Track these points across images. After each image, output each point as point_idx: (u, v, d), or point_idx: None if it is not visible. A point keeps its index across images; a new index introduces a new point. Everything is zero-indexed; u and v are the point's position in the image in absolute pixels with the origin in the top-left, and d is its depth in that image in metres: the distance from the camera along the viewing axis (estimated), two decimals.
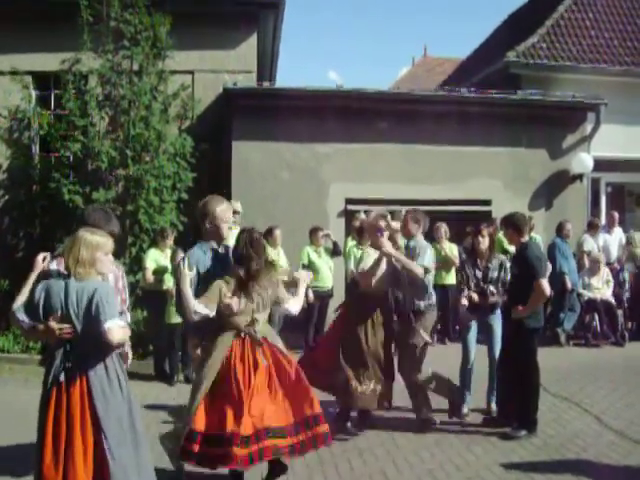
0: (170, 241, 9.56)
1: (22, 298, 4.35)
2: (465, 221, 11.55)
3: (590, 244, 11.96)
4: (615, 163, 14.22)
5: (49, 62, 11.89)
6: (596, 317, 11.37)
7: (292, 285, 5.74)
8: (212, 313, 4.94)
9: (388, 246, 6.61)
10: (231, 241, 5.37)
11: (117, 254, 4.88)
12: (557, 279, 10.76)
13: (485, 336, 7.29)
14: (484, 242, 7.23)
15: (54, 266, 4.53)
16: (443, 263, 11.13)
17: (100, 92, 11.35)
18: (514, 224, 6.86)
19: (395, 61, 73.85)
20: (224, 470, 5.09)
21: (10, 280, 10.92)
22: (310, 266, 9.92)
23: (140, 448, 4.38)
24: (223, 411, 4.80)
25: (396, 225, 8.04)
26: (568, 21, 15.68)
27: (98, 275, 4.34)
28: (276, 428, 4.84)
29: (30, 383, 8.30)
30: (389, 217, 7.12)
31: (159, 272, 9.23)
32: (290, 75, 74.30)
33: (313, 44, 76.47)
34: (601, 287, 11.40)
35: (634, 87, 14.42)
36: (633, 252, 12.23)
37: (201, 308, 4.91)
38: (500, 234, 9.10)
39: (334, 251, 10.51)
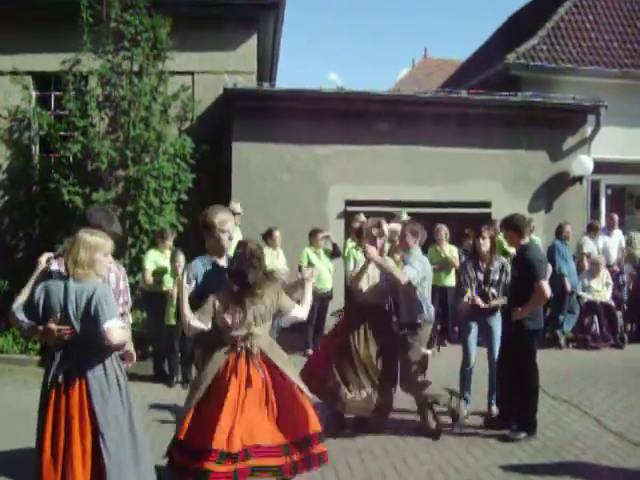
0: (170, 242, 9.55)
1: (22, 298, 4.35)
2: (465, 223, 11.58)
3: (590, 246, 11.96)
4: (615, 165, 14.22)
5: (49, 63, 11.90)
6: (595, 319, 11.36)
7: (299, 285, 5.69)
8: (206, 327, 4.91)
9: (372, 252, 6.61)
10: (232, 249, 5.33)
11: (117, 255, 4.86)
12: (557, 281, 10.75)
13: (485, 338, 7.30)
14: (485, 244, 7.23)
15: (55, 267, 4.51)
16: (443, 265, 11.15)
17: (100, 93, 11.37)
18: (514, 226, 6.86)
19: (395, 63, 73.99)
20: None
21: (10, 280, 10.91)
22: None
23: (139, 449, 4.37)
24: (209, 425, 4.65)
25: (395, 226, 8.05)
26: (568, 23, 15.69)
27: (97, 276, 4.33)
28: (265, 447, 4.68)
29: (29, 384, 8.29)
30: (384, 224, 7.11)
31: (159, 273, 9.22)
32: (290, 77, 74.42)
33: (313, 46, 76.59)
34: (601, 289, 11.40)
35: (634, 89, 14.42)
36: (632, 253, 12.23)
37: (196, 322, 4.89)
38: (500, 236, 9.10)
39: (334, 253, 10.51)
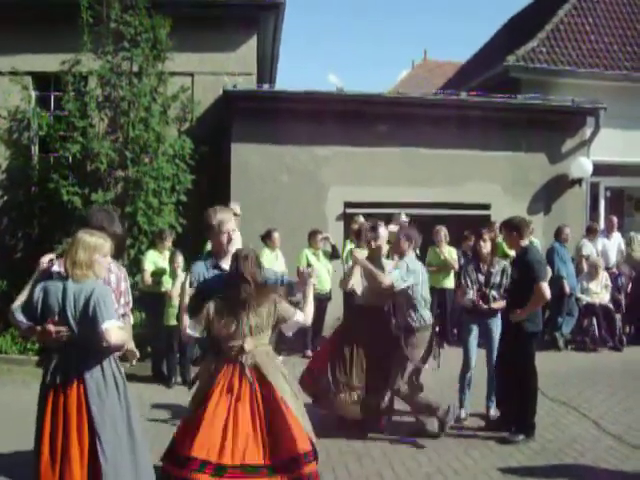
0: (169, 243, 9.56)
1: (22, 298, 4.35)
2: (464, 225, 11.58)
3: (589, 248, 11.96)
4: (614, 167, 14.23)
5: (49, 63, 11.90)
6: (594, 322, 11.36)
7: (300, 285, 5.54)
8: (199, 335, 4.90)
9: (357, 254, 6.64)
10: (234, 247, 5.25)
11: (116, 256, 4.83)
12: (555, 283, 10.75)
13: (484, 340, 7.29)
14: (486, 246, 7.23)
15: (57, 268, 4.49)
16: (442, 267, 11.16)
17: (100, 93, 11.37)
18: (515, 228, 6.85)
19: (395, 64, 73.95)
20: None
21: (8, 281, 10.92)
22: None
23: (138, 451, 4.36)
24: (194, 434, 4.59)
25: (394, 228, 8.07)
26: (568, 25, 15.70)
27: (96, 277, 4.32)
28: (251, 465, 4.55)
29: (28, 384, 8.29)
30: (380, 227, 7.11)
31: (157, 274, 9.22)
32: (290, 78, 74.43)
33: (313, 47, 76.62)
34: (599, 292, 11.39)
35: (633, 92, 14.44)
36: (631, 255, 12.23)
37: (190, 330, 4.88)
38: (499, 238, 9.10)
39: (333, 254, 10.51)
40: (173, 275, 9.07)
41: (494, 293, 7.13)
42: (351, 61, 74.58)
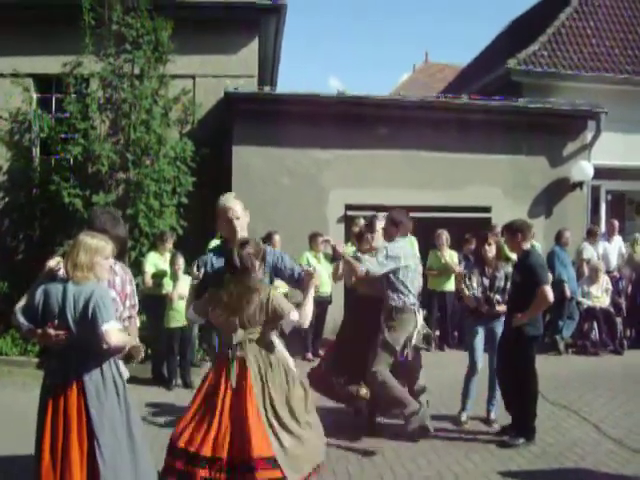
0: (170, 245, 9.58)
1: (25, 300, 4.35)
2: (465, 228, 11.59)
3: (590, 252, 11.96)
4: (615, 171, 14.23)
5: (50, 65, 11.91)
6: (595, 325, 11.37)
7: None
8: (200, 321, 4.89)
9: (339, 246, 6.66)
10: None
11: (119, 258, 4.82)
12: (556, 287, 10.73)
13: (488, 343, 7.26)
14: (491, 250, 7.22)
15: (63, 272, 4.45)
16: (443, 270, 11.17)
17: (101, 95, 11.38)
18: (517, 231, 6.84)
19: (396, 67, 74.08)
20: None
21: (9, 282, 10.93)
22: None
23: (138, 454, 4.35)
24: (188, 427, 4.62)
25: None
26: (569, 29, 15.72)
27: (97, 280, 4.32)
28: (206, 458, 4.49)
29: (28, 386, 8.31)
30: (377, 219, 7.12)
31: (158, 276, 9.23)
32: (291, 81, 74.39)
33: (314, 50, 76.69)
34: (600, 295, 11.39)
35: (635, 95, 14.44)
36: (633, 256, 12.23)
37: (190, 313, 4.89)
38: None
39: (333, 257, 10.50)
40: (174, 277, 9.08)
41: (498, 297, 7.12)
42: (352, 64, 74.70)
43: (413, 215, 11.32)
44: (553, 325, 11.14)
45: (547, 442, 6.68)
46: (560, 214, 13.00)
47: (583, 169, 12.96)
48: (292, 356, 5.13)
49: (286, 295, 5.32)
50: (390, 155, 12.29)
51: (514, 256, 7.31)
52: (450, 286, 11.24)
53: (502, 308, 7.07)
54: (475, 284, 7.21)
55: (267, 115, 11.88)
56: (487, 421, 7.24)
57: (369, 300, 6.86)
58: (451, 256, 11.17)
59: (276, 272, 5.11)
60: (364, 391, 6.73)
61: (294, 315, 4.73)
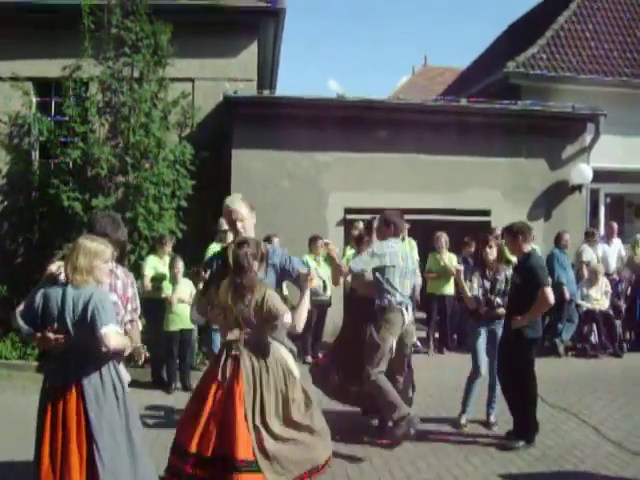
0: (169, 248, 9.57)
1: (25, 303, 4.36)
2: (464, 231, 11.59)
3: (589, 254, 11.96)
4: (614, 174, 14.24)
5: (50, 68, 11.91)
6: (594, 328, 11.36)
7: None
8: (201, 321, 4.90)
9: (332, 248, 6.67)
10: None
11: (118, 261, 4.82)
12: (555, 290, 10.72)
13: (489, 345, 7.24)
14: (492, 253, 7.22)
15: (64, 277, 4.45)
16: (442, 273, 11.17)
17: (100, 99, 11.37)
18: (518, 233, 6.84)
19: (395, 69, 74.22)
20: None
21: (9, 286, 10.92)
22: None
23: (137, 458, 4.34)
24: (184, 426, 4.66)
25: None
26: (568, 32, 15.74)
27: (97, 283, 4.32)
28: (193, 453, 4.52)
29: (28, 390, 8.29)
30: (376, 220, 7.15)
31: (157, 279, 9.22)
32: (290, 84, 74.53)
33: (313, 53, 76.78)
34: (600, 298, 11.39)
35: (633, 98, 14.46)
36: (633, 258, 12.23)
37: (195, 315, 4.89)
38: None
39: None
40: (173, 281, 9.07)
41: (498, 300, 7.12)
42: (351, 67, 74.83)
43: (412, 218, 11.45)
44: (553, 328, 11.14)
45: (547, 445, 6.68)
46: (559, 217, 13.00)
47: (582, 172, 12.97)
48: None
49: (285, 298, 5.26)
50: (389, 158, 12.29)
51: (514, 259, 7.31)
52: (449, 289, 11.25)
53: (503, 310, 7.07)
54: (476, 286, 7.21)
55: (266, 118, 11.89)
56: (487, 424, 7.24)
57: (368, 301, 6.86)
58: (450, 259, 11.17)
59: (283, 273, 5.09)
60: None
61: (287, 317, 4.65)
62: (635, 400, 8.32)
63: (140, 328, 4.99)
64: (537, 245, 11.44)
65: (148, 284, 9.16)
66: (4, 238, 12.15)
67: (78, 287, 4.21)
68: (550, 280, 8.13)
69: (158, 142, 11.12)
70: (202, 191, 11.42)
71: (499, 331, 7.11)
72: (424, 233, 11.80)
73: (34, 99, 12.36)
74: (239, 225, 5.07)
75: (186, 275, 9.36)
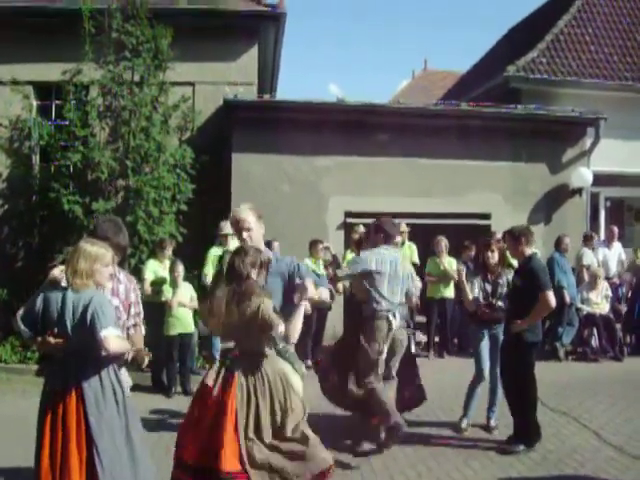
0: (169, 252, 9.57)
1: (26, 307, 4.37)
2: (464, 235, 11.59)
3: (589, 258, 11.95)
4: (614, 178, 14.24)
5: (50, 72, 11.91)
6: (595, 332, 11.35)
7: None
8: (207, 331, 4.88)
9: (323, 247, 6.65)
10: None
11: (119, 265, 4.82)
12: (556, 293, 10.70)
13: (489, 349, 7.23)
14: (494, 257, 7.22)
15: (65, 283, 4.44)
16: (442, 277, 11.18)
17: (101, 103, 11.38)
18: (520, 236, 6.84)
19: (395, 73, 74.17)
20: None
21: (9, 290, 10.91)
22: None
23: (138, 462, 4.34)
24: (180, 435, 4.63)
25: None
26: (568, 36, 15.74)
27: (97, 287, 4.33)
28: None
29: (28, 393, 8.29)
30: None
31: (157, 283, 9.23)
32: (290, 88, 74.57)
33: (313, 57, 76.80)
34: (600, 302, 11.38)
35: (633, 102, 14.45)
36: (635, 262, 12.22)
37: (201, 325, 4.88)
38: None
39: (333, 264, 10.51)
40: (173, 284, 9.08)
41: (500, 304, 7.11)
42: (351, 70, 74.87)
43: (413, 222, 11.46)
44: (553, 332, 11.13)
45: (547, 449, 6.67)
46: (559, 220, 13.00)
47: (582, 175, 12.97)
48: None
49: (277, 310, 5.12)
50: (390, 162, 12.29)
51: (516, 262, 7.31)
52: (449, 293, 11.26)
53: (503, 314, 7.07)
54: (476, 289, 7.21)
55: (267, 122, 11.90)
56: (487, 428, 7.23)
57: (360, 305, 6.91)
58: (450, 263, 11.17)
59: (291, 282, 5.02)
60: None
61: (280, 328, 4.54)
62: (636, 404, 8.31)
63: (143, 332, 4.99)
64: (537, 249, 11.44)
65: (148, 288, 9.16)
66: (4, 242, 12.15)
67: (78, 291, 4.22)
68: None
69: (158, 146, 11.13)
70: (202, 195, 11.43)
71: (501, 335, 7.10)
72: (424, 237, 11.80)
73: (34, 103, 12.36)
74: (245, 234, 5.06)
75: (186, 279, 9.37)
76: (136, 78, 11.24)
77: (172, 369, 9.08)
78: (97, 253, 4.32)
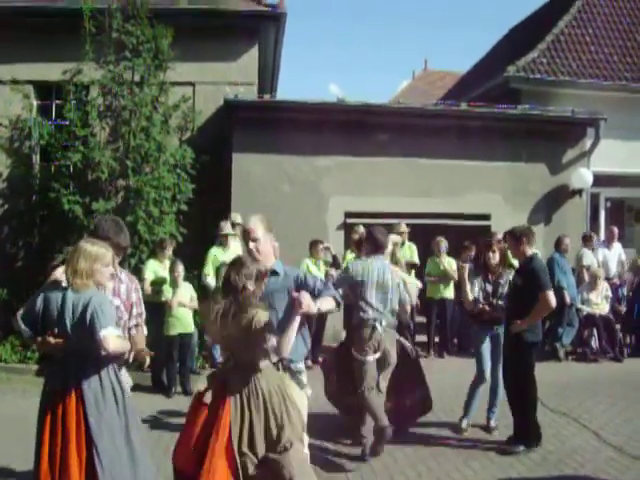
0: (169, 252, 9.57)
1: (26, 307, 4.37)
2: (464, 235, 11.60)
3: (589, 258, 11.95)
4: (614, 178, 14.24)
5: (51, 72, 11.92)
6: (595, 332, 11.35)
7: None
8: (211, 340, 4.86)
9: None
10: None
11: (121, 265, 4.83)
12: (556, 294, 10.69)
13: (492, 350, 7.22)
14: (495, 257, 7.22)
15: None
16: (442, 277, 11.18)
17: (101, 103, 11.38)
18: (523, 235, 6.85)
19: (395, 73, 74.13)
20: None
21: (9, 289, 10.91)
22: None
23: (138, 462, 4.35)
24: (181, 449, 4.49)
25: (395, 238, 8.07)
26: (568, 36, 15.74)
27: (97, 287, 4.33)
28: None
29: (28, 393, 8.29)
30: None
31: (157, 283, 9.23)
32: (291, 88, 74.51)
33: (314, 57, 76.79)
34: (600, 302, 11.38)
35: (633, 102, 14.45)
36: (636, 262, 12.21)
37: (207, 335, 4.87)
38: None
39: (333, 264, 10.51)
40: (173, 284, 9.08)
41: (501, 304, 7.11)
42: (352, 70, 74.84)
43: (412, 222, 11.46)
44: (553, 332, 11.13)
45: (547, 449, 6.67)
46: (559, 221, 13.01)
47: (582, 176, 12.97)
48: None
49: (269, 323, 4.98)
50: (390, 162, 12.30)
51: (517, 262, 7.30)
52: (449, 293, 11.26)
53: (503, 314, 7.06)
54: (477, 289, 7.21)
55: (267, 122, 11.90)
56: (487, 428, 7.23)
57: None
58: (450, 263, 11.17)
59: None
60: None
61: (272, 341, 4.39)
62: (635, 404, 8.31)
63: (145, 333, 4.99)
64: (537, 249, 11.45)
65: (148, 288, 9.15)
66: (4, 242, 12.16)
67: (78, 291, 4.22)
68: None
69: (159, 146, 11.13)
70: (202, 195, 11.43)
71: (502, 336, 7.09)
72: (424, 237, 11.80)
73: (35, 103, 12.37)
74: (251, 245, 4.92)
75: (186, 279, 9.37)
76: (136, 78, 11.25)
77: (172, 369, 9.08)
78: (97, 253, 4.32)
